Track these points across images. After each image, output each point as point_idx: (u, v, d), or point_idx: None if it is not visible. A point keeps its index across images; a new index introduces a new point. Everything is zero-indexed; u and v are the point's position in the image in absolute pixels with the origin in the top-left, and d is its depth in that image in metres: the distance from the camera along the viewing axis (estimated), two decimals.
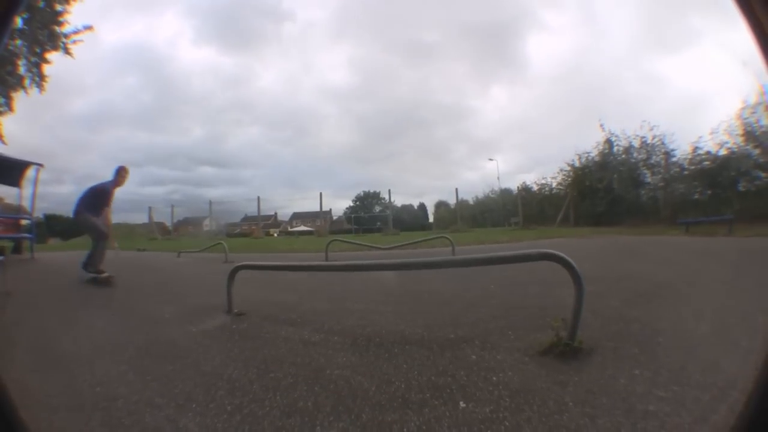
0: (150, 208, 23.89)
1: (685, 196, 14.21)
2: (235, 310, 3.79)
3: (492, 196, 24.79)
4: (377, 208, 29.45)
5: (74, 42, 13.83)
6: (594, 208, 15.98)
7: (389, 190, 27.83)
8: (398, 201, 31.03)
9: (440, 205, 28.55)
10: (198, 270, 7.88)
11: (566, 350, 2.43)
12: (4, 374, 1.30)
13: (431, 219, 29.23)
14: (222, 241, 10.07)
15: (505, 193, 23.82)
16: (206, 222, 24.93)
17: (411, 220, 28.27)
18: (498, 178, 30.72)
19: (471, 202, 26.35)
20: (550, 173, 20.97)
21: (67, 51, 13.74)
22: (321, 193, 23.21)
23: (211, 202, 22.90)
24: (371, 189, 30.64)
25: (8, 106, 13.36)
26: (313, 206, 25.68)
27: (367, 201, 30.58)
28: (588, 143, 21.15)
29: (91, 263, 6.02)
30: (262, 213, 24.00)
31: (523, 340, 2.72)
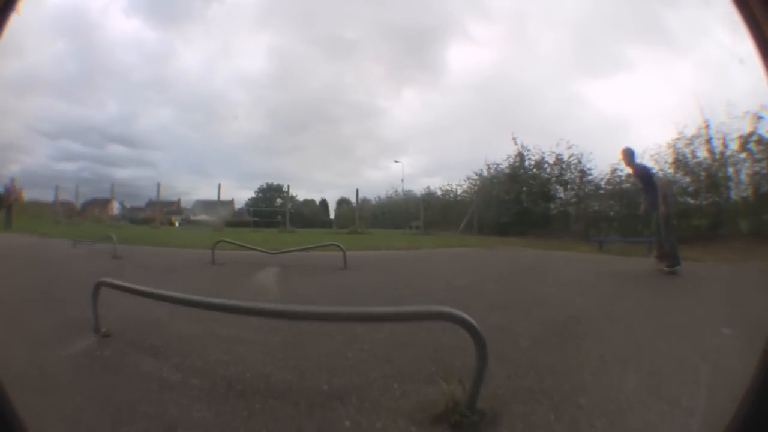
0: (57, 188, 22.24)
1: (599, 214, 14.86)
2: (103, 329, 3.48)
3: (395, 197, 25.08)
4: (279, 201, 28.97)
5: None
6: (499, 217, 16.37)
7: (288, 185, 27.20)
8: (301, 195, 30.69)
9: (342, 203, 28.73)
10: (88, 267, 7.52)
11: (464, 421, 2.05)
12: (4, 374, 1.30)
13: (332, 216, 29.36)
14: (111, 234, 9.51)
15: (408, 195, 24.35)
16: (111, 205, 23.43)
17: (312, 216, 28.19)
18: (402, 180, 31.52)
19: (374, 202, 26.51)
20: (455, 180, 21.53)
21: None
22: (219, 184, 22.34)
23: (113, 185, 22.35)
24: (275, 181, 30.06)
25: None
26: (214, 194, 24.82)
27: (269, 193, 29.89)
28: (499, 155, 21.84)
29: None
30: (167, 199, 22.85)
31: (411, 397, 2.34)
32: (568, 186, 16.09)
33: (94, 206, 24.08)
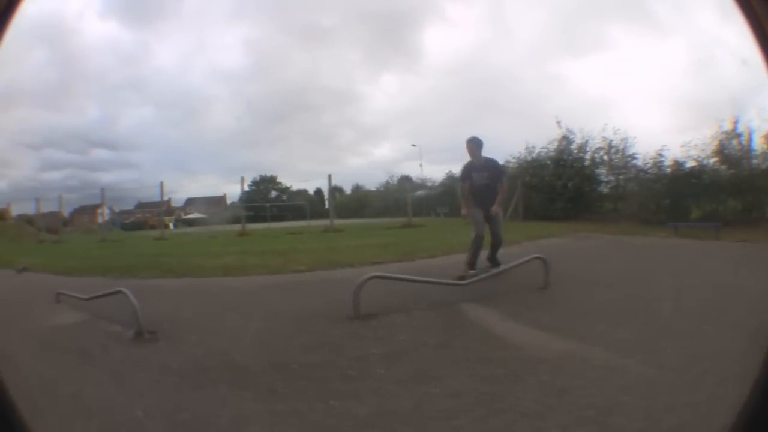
0: (37, 200, 20.19)
1: (654, 199, 14.12)
2: None
3: (392, 184, 23.84)
4: (273, 193, 27.85)
5: None
6: (549, 203, 15.43)
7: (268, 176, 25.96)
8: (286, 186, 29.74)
9: (335, 191, 27.53)
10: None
11: None
12: (4, 374, 1.28)
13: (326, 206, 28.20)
14: (123, 288, 5.75)
15: (404, 181, 23.17)
16: (100, 211, 22.20)
17: (308, 207, 27.01)
18: (420, 165, 30.37)
19: (373, 189, 25.15)
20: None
21: None
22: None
23: (104, 190, 20.30)
24: (259, 173, 28.94)
25: None
26: (205, 191, 23.70)
27: (262, 186, 28.80)
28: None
29: None
30: (153, 200, 21.68)
31: None
32: (616, 171, 15.50)
33: (83, 214, 23.11)
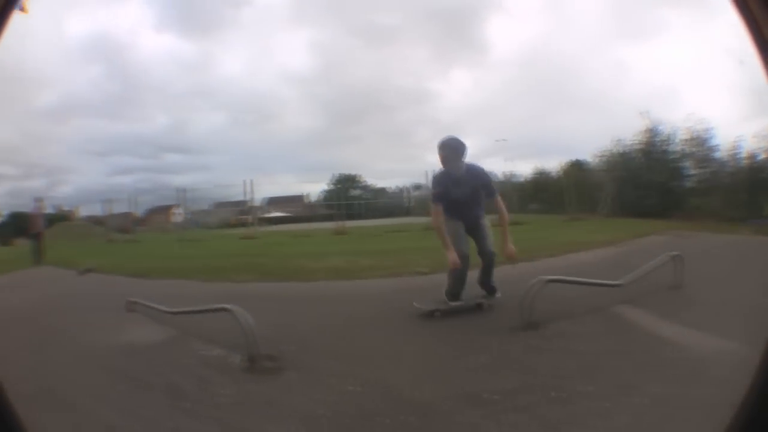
0: (107, 201, 21.36)
1: (735, 195, 13.05)
2: None
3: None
4: (354, 192, 28.07)
5: None
6: (641, 199, 14.58)
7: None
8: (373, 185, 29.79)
9: (418, 189, 27.47)
10: None
11: None
12: (3, 374, 1.28)
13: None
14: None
15: (492, 177, 22.73)
16: (175, 211, 23.06)
17: (391, 205, 26.94)
18: (507, 160, 29.76)
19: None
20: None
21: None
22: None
23: (185, 190, 20.48)
24: (336, 172, 29.35)
25: None
26: (281, 191, 24.30)
27: (343, 184, 29.15)
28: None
29: None
30: (233, 200, 22.37)
31: None
32: (701, 164, 14.62)
33: (157, 213, 24.01)
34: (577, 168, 18.87)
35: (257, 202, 22.65)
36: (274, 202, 26.85)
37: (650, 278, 4.89)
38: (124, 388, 3.25)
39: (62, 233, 20.87)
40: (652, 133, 15.45)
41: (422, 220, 17.85)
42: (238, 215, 23.73)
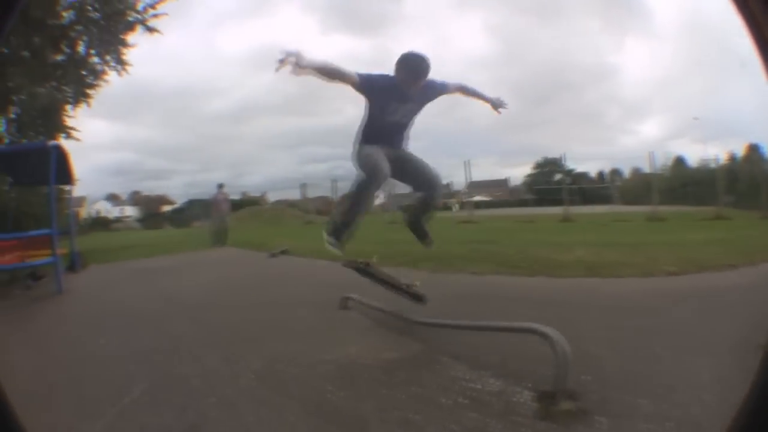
0: (303, 185, 22.85)
1: None
2: None
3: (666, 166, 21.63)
4: (557, 176, 27.64)
5: (155, 16, 12.65)
6: None
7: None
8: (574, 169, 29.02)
9: (614, 173, 26.16)
10: None
11: None
12: (2, 374, 1.31)
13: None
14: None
15: (678, 163, 20.71)
16: (376, 194, 25.06)
17: (592, 191, 26.18)
18: (704, 143, 26.94)
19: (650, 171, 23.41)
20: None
21: (149, 29, 12.71)
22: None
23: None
24: (529, 157, 29.19)
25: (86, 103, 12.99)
26: (478, 176, 24.51)
27: (546, 168, 28.83)
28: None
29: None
30: None
31: None
32: None
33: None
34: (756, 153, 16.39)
35: (458, 187, 23.59)
36: (476, 186, 27.87)
37: None
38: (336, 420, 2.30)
39: (251, 217, 23.21)
40: None
41: (641, 209, 16.77)
42: (453, 198, 24.59)
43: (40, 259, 6.93)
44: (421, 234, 4.04)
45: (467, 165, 18.61)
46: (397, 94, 3.56)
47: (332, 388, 2.62)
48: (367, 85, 3.52)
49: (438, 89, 3.87)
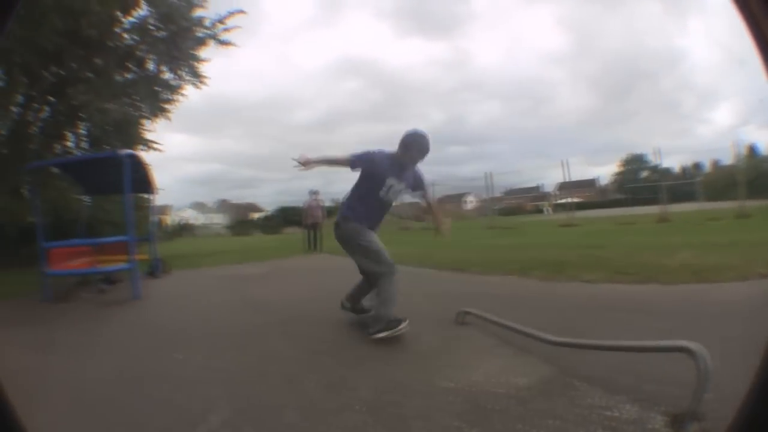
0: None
1: None
2: None
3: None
4: (643, 173, 25.78)
5: (226, 30, 12.88)
6: None
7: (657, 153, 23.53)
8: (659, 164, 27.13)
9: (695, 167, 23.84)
10: None
11: None
12: (1, 374, 1.26)
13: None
14: None
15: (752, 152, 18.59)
16: (467, 198, 24.61)
17: (677, 187, 23.79)
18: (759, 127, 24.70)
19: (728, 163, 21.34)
20: None
21: (221, 42, 12.89)
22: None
23: (492, 175, 20.89)
24: (615, 154, 27.61)
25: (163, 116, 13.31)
26: (561, 176, 23.70)
27: (633, 165, 27.04)
28: None
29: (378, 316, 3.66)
30: (520, 186, 22.95)
31: None
32: None
33: (447, 202, 25.37)
34: None
35: (548, 189, 22.59)
36: (565, 187, 26.24)
37: None
38: None
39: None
40: None
41: (725, 205, 16.19)
42: (530, 201, 24.28)
43: (113, 264, 6.90)
44: (359, 311, 4.35)
45: (565, 165, 17.82)
46: (396, 170, 3.89)
47: (460, 424, 2.10)
48: (359, 163, 3.85)
49: (420, 182, 4.17)
